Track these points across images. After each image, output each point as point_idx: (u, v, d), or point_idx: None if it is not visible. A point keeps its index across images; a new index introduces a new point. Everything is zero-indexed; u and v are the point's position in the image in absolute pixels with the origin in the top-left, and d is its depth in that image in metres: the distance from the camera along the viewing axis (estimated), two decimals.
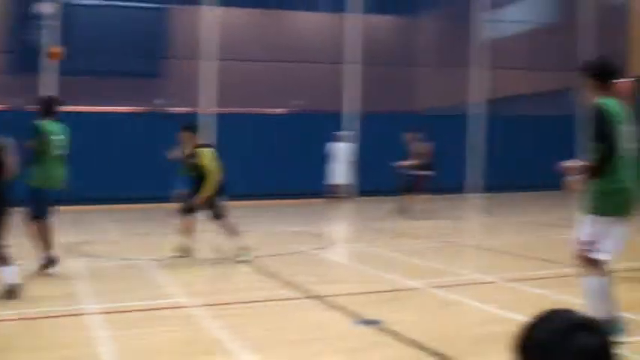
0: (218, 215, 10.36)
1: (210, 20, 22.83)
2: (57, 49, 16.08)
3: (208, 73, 22.52)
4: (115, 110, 24.60)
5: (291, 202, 20.99)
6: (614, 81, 6.01)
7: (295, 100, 25.96)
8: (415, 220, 15.79)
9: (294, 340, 6.23)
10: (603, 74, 5.94)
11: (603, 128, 5.57)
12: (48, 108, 9.62)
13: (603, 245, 5.60)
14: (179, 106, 23.73)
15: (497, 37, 30.16)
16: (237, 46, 25.37)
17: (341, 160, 22.33)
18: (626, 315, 6.74)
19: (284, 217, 18.19)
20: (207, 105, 22.24)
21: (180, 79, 24.86)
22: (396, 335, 6.14)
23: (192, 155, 10.49)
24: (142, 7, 27.70)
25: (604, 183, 5.57)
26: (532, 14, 31.54)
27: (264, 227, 15.56)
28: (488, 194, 24.64)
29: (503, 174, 25.30)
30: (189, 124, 11.58)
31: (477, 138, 25.78)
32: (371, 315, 6.84)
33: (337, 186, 22.48)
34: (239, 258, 10.12)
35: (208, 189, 10.17)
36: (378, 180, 22.16)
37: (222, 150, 21.56)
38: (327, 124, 22.88)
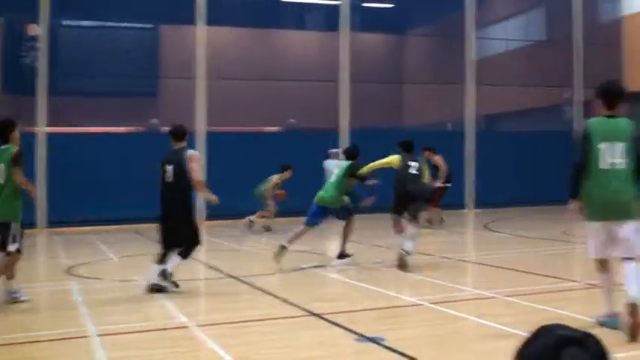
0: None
1: (203, 39, 22.92)
2: (282, 193, 18.27)
3: (202, 93, 22.60)
4: (107, 131, 24.63)
5: (289, 219, 21.00)
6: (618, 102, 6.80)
7: (290, 119, 26.03)
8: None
9: (304, 358, 6.25)
10: (607, 95, 6.80)
11: (582, 146, 6.67)
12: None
13: (590, 245, 6.78)
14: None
15: (488, 55, 30.37)
16: (230, 65, 25.42)
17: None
18: None
19: (282, 235, 18.16)
20: (202, 124, 22.31)
21: (174, 98, 24.87)
22: (399, 352, 6.13)
23: None
24: (133, 27, 27.73)
25: (589, 193, 6.70)
26: (523, 31, 31.75)
27: (261, 246, 15.58)
28: (483, 210, 24.71)
29: (497, 189, 25.40)
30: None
31: (469, 154, 25.90)
32: (374, 332, 6.83)
33: None
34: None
35: None
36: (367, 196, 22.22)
37: (216, 168, 21.79)
38: (322, 142, 22.96)
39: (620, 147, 6.63)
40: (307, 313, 7.90)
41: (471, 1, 26.80)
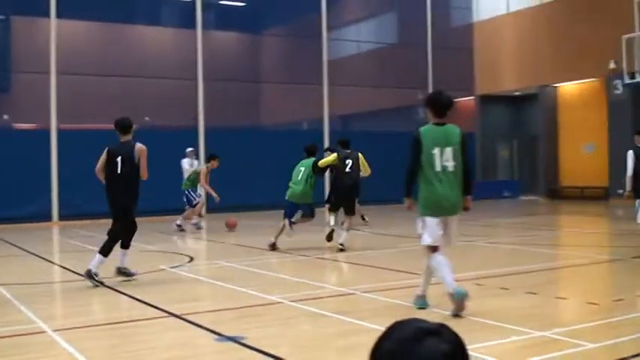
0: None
1: (55, 33, 22.17)
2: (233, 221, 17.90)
3: (53, 88, 21.84)
4: None
5: (149, 219, 20.64)
6: (446, 110, 7.71)
7: (145, 117, 25.52)
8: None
9: None
10: (435, 105, 7.73)
11: (413, 151, 7.66)
12: None
13: (426, 235, 7.67)
14: (25, 122, 22.86)
15: (342, 56, 30.87)
16: (83, 60, 24.66)
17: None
18: (473, 319, 7.08)
19: (140, 235, 17.79)
20: (55, 121, 21.57)
21: (27, 94, 23.92)
22: (260, 350, 6.14)
23: None
24: None
25: (423, 193, 7.68)
26: (375, 34, 32.45)
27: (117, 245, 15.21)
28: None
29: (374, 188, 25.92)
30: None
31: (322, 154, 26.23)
32: (234, 331, 6.81)
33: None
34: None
35: None
36: (225, 196, 22.19)
37: (67, 169, 21.10)
38: (178, 141, 22.69)
39: (449, 151, 7.56)
40: (167, 314, 7.79)
41: (325, 2, 27.17)
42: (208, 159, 18.67)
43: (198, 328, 7.09)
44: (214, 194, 17.84)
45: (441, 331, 1.71)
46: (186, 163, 22.17)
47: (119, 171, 10.01)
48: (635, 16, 21.03)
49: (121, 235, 10.19)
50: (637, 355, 5.41)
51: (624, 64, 21.67)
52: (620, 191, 23.04)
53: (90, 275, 9.73)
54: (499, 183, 32.65)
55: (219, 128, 24.53)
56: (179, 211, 19.36)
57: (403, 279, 9.89)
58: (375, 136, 28.19)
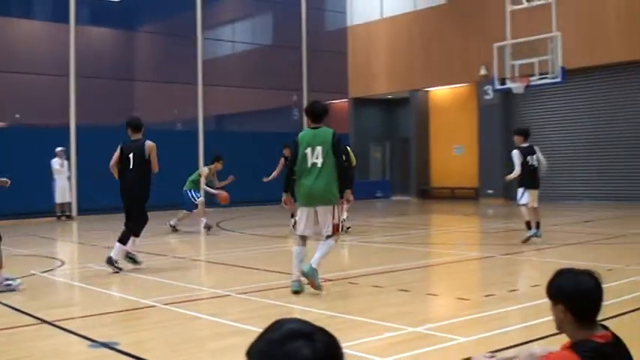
0: None
1: None
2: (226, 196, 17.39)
3: None
4: None
5: (16, 222, 19.92)
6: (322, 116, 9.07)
7: (15, 114, 24.54)
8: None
9: None
10: (310, 113, 9.11)
11: (293, 151, 9.00)
12: None
13: (299, 225, 9.00)
14: None
15: (217, 56, 30.68)
16: None
17: (62, 177, 21.64)
18: (347, 317, 7.17)
19: (9, 238, 17.10)
20: None
21: None
22: (134, 355, 6.01)
23: None
24: None
25: (297, 186, 8.95)
26: (250, 35, 32.42)
27: None
28: (213, 209, 24.91)
29: (228, 188, 25.73)
30: None
31: (200, 154, 26.06)
32: (107, 337, 6.65)
33: (61, 204, 21.76)
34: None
35: None
36: (98, 198, 21.75)
37: None
38: (50, 139, 21.99)
39: (319, 150, 8.75)
40: (40, 322, 7.50)
41: (200, 1, 26.93)
42: (213, 160, 18.16)
43: (72, 335, 6.86)
44: (215, 191, 17.51)
45: (313, 334, 1.73)
46: (56, 163, 21.56)
47: (131, 167, 11.04)
48: (507, 25, 21.83)
49: (136, 227, 11.21)
50: (506, 348, 5.60)
51: (495, 71, 22.46)
52: (490, 191, 23.97)
53: (110, 262, 10.87)
54: (372, 183, 33.22)
55: (91, 127, 23.88)
56: (48, 213, 18.75)
57: (278, 279, 9.90)
58: (250, 136, 28.15)
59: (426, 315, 7.73)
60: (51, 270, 11.57)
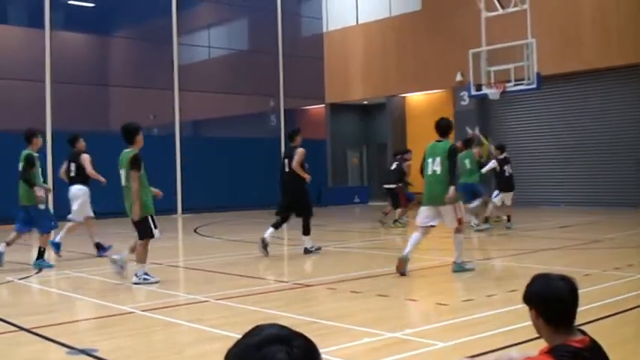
0: None
1: None
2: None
3: None
4: None
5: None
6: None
7: None
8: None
9: None
10: (438, 129, 11.35)
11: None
12: None
13: (420, 219, 11.27)
14: None
15: (193, 61, 30.63)
16: None
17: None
18: (326, 322, 7.19)
19: None
20: None
21: None
22: None
23: None
24: None
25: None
26: (226, 40, 32.39)
27: None
28: (191, 214, 24.87)
29: (204, 194, 25.70)
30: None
31: (176, 159, 25.98)
32: (86, 343, 6.61)
33: None
34: None
35: None
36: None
37: None
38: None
39: (437, 160, 10.85)
40: (17, 329, 7.44)
41: (175, 7, 26.87)
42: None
43: (49, 342, 6.81)
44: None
45: (291, 339, 1.74)
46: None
47: (286, 169, 13.57)
48: (482, 31, 21.97)
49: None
50: (485, 353, 5.64)
51: (471, 77, 22.59)
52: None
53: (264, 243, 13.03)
54: (350, 189, 33.27)
55: (67, 132, 23.69)
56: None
57: (256, 285, 9.90)
58: (226, 142, 28.11)
59: (405, 320, 7.76)
60: (28, 277, 11.47)
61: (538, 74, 20.63)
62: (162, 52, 27.20)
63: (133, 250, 10.47)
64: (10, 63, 24.48)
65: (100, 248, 14.02)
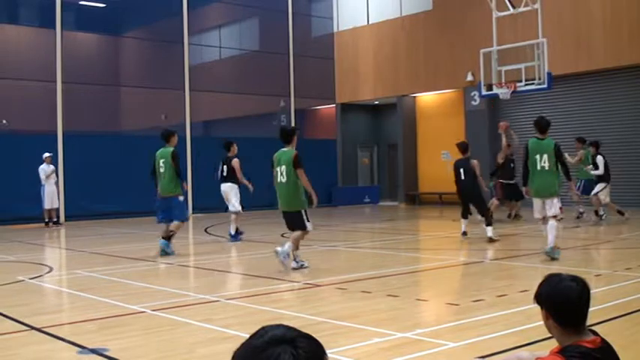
0: None
1: None
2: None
3: None
4: None
5: (3, 228, 19.83)
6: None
7: (3, 119, 24.42)
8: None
9: None
10: (537, 126, 11.98)
11: (523, 156, 12.20)
12: None
13: (535, 211, 12.18)
14: None
15: (204, 61, 30.65)
16: None
17: (50, 183, 21.56)
18: (336, 322, 7.18)
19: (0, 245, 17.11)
20: None
21: None
22: None
23: None
24: None
25: (532, 182, 11.98)
26: (237, 40, 32.39)
27: None
28: (201, 214, 24.92)
29: (213, 194, 25.73)
30: None
31: (187, 159, 26.03)
32: (96, 343, 6.63)
33: (49, 210, 21.66)
34: None
35: None
36: (85, 204, 21.71)
37: None
38: (37, 145, 21.92)
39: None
40: (28, 328, 7.48)
41: (186, 7, 26.91)
42: None
43: (60, 341, 6.84)
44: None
45: (296, 340, 1.75)
46: (42, 171, 21.49)
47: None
48: (493, 31, 21.91)
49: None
50: (496, 354, 5.63)
51: (481, 77, 22.54)
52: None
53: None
54: (360, 189, 33.23)
55: (78, 133, 23.83)
56: (36, 219, 18.64)
57: (266, 285, 9.90)
58: (237, 142, 28.09)
59: (415, 320, 7.75)
60: (39, 276, 11.52)
61: (549, 74, 20.56)
62: (172, 53, 27.24)
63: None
64: (21, 63, 24.57)
65: (238, 234, 16.56)
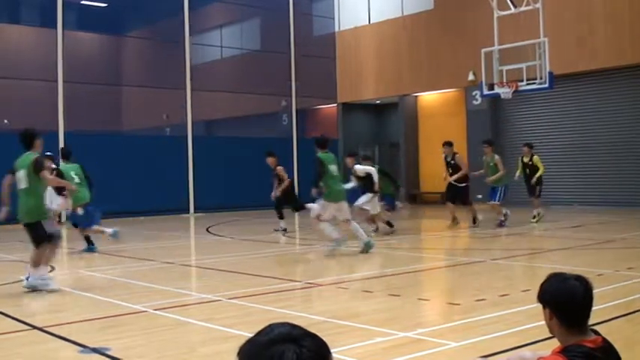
0: None
1: None
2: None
3: None
4: None
5: (3, 228, 19.78)
6: None
7: (4, 119, 24.43)
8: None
9: None
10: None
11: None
12: None
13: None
14: None
15: (205, 61, 30.66)
16: None
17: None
18: (338, 322, 7.18)
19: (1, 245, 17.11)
20: None
21: None
22: None
23: None
24: None
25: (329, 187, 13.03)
26: (238, 40, 32.40)
27: None
28: (203, 213, 24.91)
29: (216, 193, 25.72)
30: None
31: (189, 159, 26.02)
32: (98, 342, 6.63)
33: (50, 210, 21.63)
34: None
35: None
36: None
37: None
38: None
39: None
40: (29, 327, 7.48)
41: (187, 6, 26.91)
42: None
43: (61, 340, 6.84)
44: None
45: (301, 338, 1.76)
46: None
47: None
48: (495, 30, 21.89)
49: None
50: (498, 353, 5.62)
51: (483, 76, 22.52)
52: (479, 196, 24.00)
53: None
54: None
55: (79, 132, 23.81)
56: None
57: (268, 284, 9.90)
58: (238, 142, 28.14)
59: (417, 320, 7.75)
60: None
61: (550, 73, 20.54)
62: (174, 52, 27.24)
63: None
64: (22, 63, 24.58)
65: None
